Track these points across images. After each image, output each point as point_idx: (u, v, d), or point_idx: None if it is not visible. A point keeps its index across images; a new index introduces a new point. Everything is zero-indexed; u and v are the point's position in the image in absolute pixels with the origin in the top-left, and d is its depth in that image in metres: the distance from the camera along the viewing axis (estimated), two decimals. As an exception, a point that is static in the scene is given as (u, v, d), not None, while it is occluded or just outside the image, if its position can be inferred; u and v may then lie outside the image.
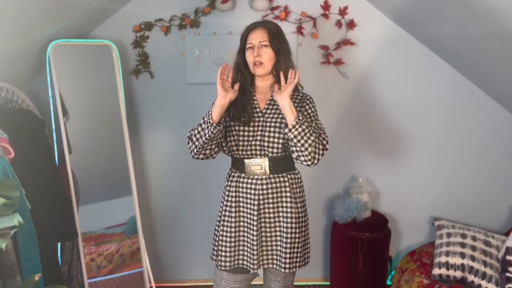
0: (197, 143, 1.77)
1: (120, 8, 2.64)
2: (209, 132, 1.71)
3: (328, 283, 2.96)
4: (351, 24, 2.64)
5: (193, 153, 1.81)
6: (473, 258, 2.31)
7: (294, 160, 1.80)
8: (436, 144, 2.82)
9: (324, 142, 1.78)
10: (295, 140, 1.69)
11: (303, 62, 2.71)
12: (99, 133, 2.60)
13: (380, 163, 2.86)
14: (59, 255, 2.34)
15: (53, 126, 2.40)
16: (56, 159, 2.37)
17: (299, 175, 1.92)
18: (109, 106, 2.59)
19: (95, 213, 2.52)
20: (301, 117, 1.71)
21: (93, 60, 2.56)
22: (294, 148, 1.72)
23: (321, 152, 1.75)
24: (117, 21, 2.66)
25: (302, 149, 1.70)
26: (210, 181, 2.83)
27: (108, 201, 2.61)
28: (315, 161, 1.73)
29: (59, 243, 2.36)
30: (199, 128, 1.76)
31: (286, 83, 1.76)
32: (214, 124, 1.70)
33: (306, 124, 1.70)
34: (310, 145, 1.69)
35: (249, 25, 1.85)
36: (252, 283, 2.91)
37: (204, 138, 1.74)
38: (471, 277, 2.27)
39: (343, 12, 2.63)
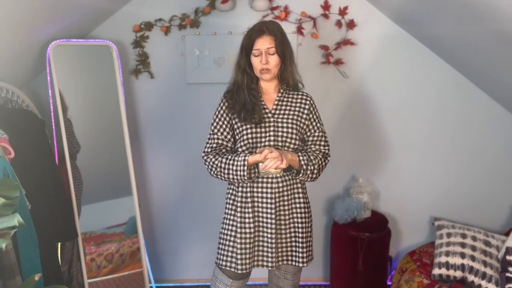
0: (220, 177, 1.87)
1: (120, 8, 2.64)
2: (241, 180, 1.81)
3: (328, 283, 2.96)
4: (351, 24, 2.64)
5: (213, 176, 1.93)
6: (473, 258, 2.31)
7: None
8: (436, 144, 2.82)
9: (326, 156, 1.92)
10: (303, 180, 1.89)
11: (303, 62, 2.70)
12: (99, 133, 2.60)
13: (380, 163, 2.86)
14: (59, 255, 2.34)
15: (53, 126, 2.40)
16: (56, 159, 2.38)
17: None
18: (109, 106, 2.59)
19: (95, 213, 2.52)
20: (304, 164, 1.82)
21: (93, 60, 2.56)
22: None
23: (323, 169, 1.91)
24: (117, 21, 2.66)
25: (309, 180, 1.89)
26: (210, 181, 2.82)
27: (108, 201, 2.61)
28: (318, 178, 1.93)
29: (59, 243, 2.36)
30: (225, 171, 1.83)
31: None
32: (248, 180, 1.81)
33: (309, 165, 1.83)
34: (315, 177, 1.89)
35: (255, 29, 1.83)
36: (252, 283, 2.92)
37: (231, 179, 1.83)
38: (471, 277, 2.27)
39: (343, 12, 2.63)
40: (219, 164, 1.83)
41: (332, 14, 2.64)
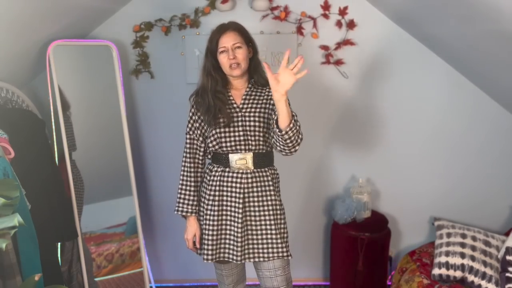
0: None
1: (120, 8, 2.64)
2: (176, 208, 2.01)
3: (328, 283, 2.96)
4: (351, 24, 2.64)
5: None
6: (473, 258, 2.31)
7: (276, 150, 1.87)
8: (436, 144, 2.82)
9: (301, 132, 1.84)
10: (288, 141, 1.74)
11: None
12: (99, 133, 2.60)
13: (380, 163, 2.86)
14: (59, 255, 2.34)
15: (53, 126, 2.40)
16: (56, 159, 2.37)
17: (277, 171, 2.01)
18: (109, 106, 2.59)
19: (95, 213, 2.52)
20: (296, 117, 1.76)
21: (93, 60, 2.56)
22: (281, 145, 1.77)
23: (300, 143, 1.82)
24: (117, 21, 2.66)
25: (290, 146, 1.76)
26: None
27: (108, 201, 2.61)
28: (295, 152, 1.82)
29: (59, 243, 2.35)
30: (178, 191, 2.00)
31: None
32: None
33: (298, 123, 1.76)
34: (298, 143, 1.78)
35: (217, 29, 1.88)
36: (253, 283, 2.92)
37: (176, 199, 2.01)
38: (471, 277, 2.27)
39: (343, 12, 2.63)
40: (179, 184, 1.98)
41: (332, 14, 2.64)
